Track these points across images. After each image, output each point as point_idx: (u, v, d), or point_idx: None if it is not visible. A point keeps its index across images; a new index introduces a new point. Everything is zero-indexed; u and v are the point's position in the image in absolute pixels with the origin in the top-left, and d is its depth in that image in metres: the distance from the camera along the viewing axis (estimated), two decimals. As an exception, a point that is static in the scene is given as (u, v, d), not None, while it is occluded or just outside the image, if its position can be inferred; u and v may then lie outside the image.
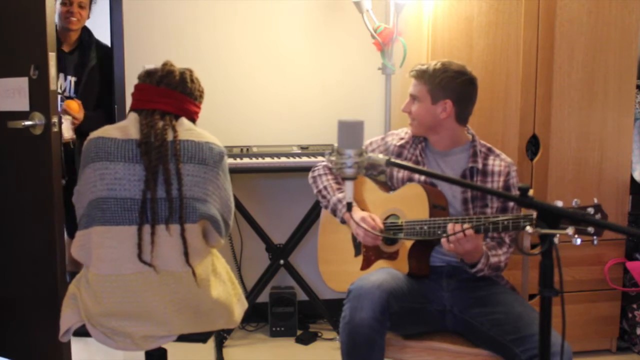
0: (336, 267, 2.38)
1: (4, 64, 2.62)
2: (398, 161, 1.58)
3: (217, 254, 2.16)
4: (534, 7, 2.88)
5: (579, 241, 1.41)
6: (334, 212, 2.32)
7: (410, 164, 1.77)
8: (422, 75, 2.22)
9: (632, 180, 3.11)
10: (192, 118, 2.12)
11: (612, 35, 2.94)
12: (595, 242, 1.53)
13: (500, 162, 2.23)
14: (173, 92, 2.02)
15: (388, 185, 2.36)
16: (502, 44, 2.86)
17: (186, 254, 1.94)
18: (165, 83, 2.03)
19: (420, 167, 2.21)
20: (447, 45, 2.83)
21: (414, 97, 2.25)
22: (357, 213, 2.24)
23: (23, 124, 2.45)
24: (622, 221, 3.05)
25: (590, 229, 1.47)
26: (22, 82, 2.55)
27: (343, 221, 2.30)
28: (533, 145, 2.98)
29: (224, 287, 2.07)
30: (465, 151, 2.26)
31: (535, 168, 2.96)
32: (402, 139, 2.36)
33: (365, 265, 2.28)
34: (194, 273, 1.96)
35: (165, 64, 2.09)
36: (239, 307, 2.14)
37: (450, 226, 1.99)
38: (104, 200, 1.92)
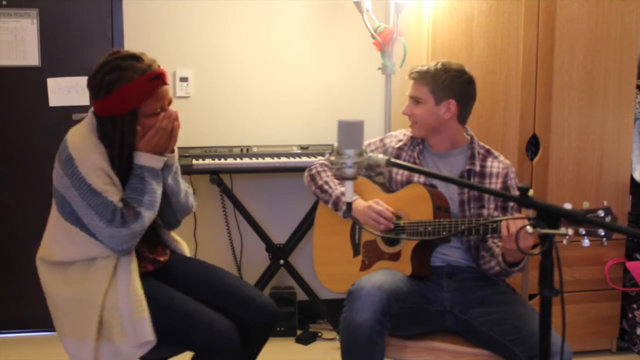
0: (334, 268, 2.37)
1: (66, 64, 3.23)
2: (399, 161, 1.58)
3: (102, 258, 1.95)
4: (534, 7, 2.88)
5: (587, 242, 1.41)
6: (336, 205, 2.29)
7: (411, 164, 1.77)
8: (423, 77, 2.20)
9: (632, 180, 3.11)
10: (100, 114, 1.94)
11: (612, 35, 2.94)
12: (605, 243, 1.52)
13: (499, 164, 2.23)
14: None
15: (387, 187, 2.36)
16: (502, 44, 2.86)
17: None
18: None
19: (421, 167, 2.21)
20: (447, 45, 2.83)
21: (415, 99, 2.23)
22: (364, 202, 2.23)
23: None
24: (622, 221, 3.05)
25: (601, 231, 1.47)
26: (83, 81, 3.10)
27: (346, 215, 2.29)
28: (533, 145, 2.97)
29: (53, 290, 1.95)
30: (463, 153, 2.25)
31: (535, 168, 2.96)
32: (400, 140, 2.35)
33: (365, 266, 2.28)
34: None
35: None
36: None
37: (507, 223, 1.91)
38: None
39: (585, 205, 1.54)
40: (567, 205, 1.38)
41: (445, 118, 2.20)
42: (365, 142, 2.39)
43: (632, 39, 2.96)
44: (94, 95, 1.92)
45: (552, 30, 2.90)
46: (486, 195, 2.18)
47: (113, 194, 1.87)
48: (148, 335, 1.84)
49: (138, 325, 1.85)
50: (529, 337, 1.90)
